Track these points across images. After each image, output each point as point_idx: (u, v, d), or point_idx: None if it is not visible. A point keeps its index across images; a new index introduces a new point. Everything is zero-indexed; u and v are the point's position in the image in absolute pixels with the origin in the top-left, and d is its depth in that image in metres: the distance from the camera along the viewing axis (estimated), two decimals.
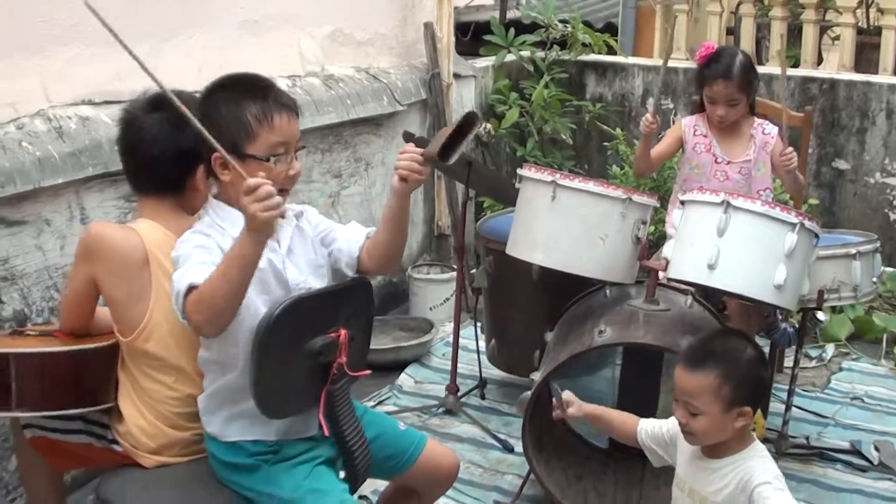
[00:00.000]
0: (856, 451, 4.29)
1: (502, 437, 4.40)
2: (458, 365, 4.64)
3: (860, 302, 3.98)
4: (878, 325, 5.48)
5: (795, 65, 7.18)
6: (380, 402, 4.70)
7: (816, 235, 3.47)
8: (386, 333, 5.41)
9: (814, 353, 5.27)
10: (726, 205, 3.37)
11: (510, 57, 6.64)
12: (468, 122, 2.75)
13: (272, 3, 4.83)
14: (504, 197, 4.96)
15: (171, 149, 2.84)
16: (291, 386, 2.68)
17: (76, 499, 3.73)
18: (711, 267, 3.37)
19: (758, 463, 2.72)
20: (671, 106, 6.67)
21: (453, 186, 6.04)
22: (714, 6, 7.70)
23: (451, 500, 3.75)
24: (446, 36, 5.96)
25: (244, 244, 2.43)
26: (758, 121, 4.50)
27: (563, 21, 6.92)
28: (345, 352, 2.71)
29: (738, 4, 7.96)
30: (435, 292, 5.68)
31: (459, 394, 4.66)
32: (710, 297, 3.96)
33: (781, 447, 4.03)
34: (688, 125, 4.50)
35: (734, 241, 3.36)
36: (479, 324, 4.87)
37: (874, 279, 3.92)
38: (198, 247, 2.58)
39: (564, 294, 4.13)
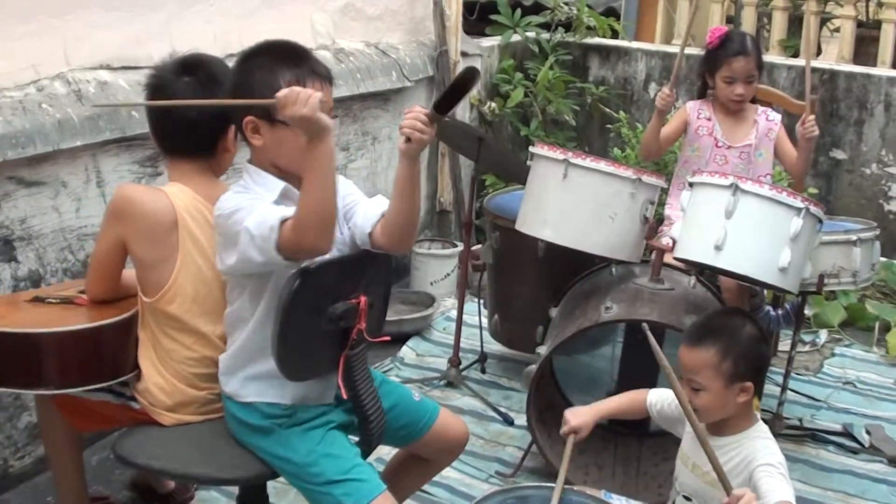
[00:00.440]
0: (848, 434, 4.39)
1: (503, 410, 4.47)
2: (460, 339, 4.71)
3: (858, 288, 4.05)
4: (870, 312, 5.58)
5: (795, 55, 7.25)
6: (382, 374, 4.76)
7: (820, 221, 3.55)
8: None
9: (807, 338, 5.36)
10: (735, 188, 3.44)
11: (516, 37, 6.70)
12: (467, 77, 2.67)
13: None
14: (511, 174, 5.03)
15: (206, 111, 2.89)
16: (312, 349, 2.73)
17: (91, 455, 3.80)
18: (718, 248, 3.44)
19: (762, 444, 2.78)
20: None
21: (457, 163, 6.10)
22: None
23: (453, 470, 3.79)
24: (455, 14, 6.02)
25: (314, 151, 2.50)
26: (761, 108, 4.58)
27: (567, 3, 6.98)
28: (364, 318, 2.76)
29: None
30: (436, 267, 5.75)
31: (461, 367, 4.73)
32: (704, 275, 4.05)
33: (776, 428, 4.11)
34: (692, 108, 4.58)
35: (741, 224, 3.43)
36: (481, 300, 4.94)
37: (872, 266, 4.00)
38: (253, 199, 2.64)
39: (569, 272, 4.20)
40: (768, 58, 6.72)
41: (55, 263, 3.84)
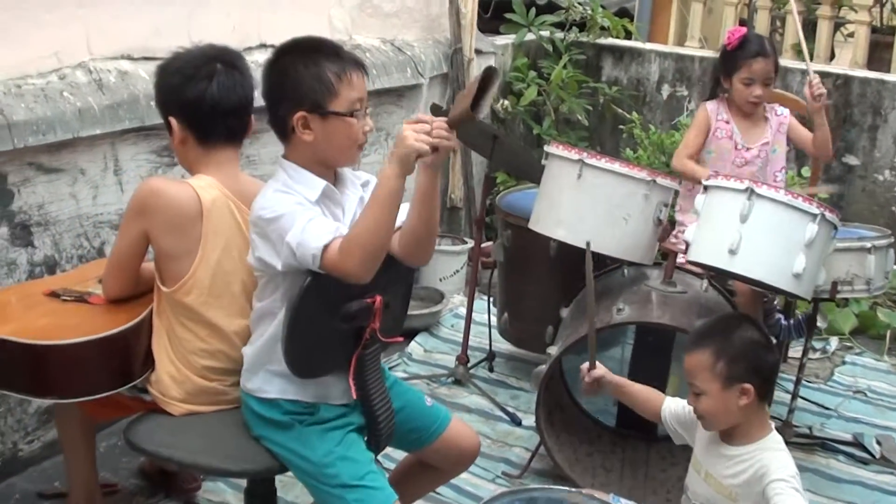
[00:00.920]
0: (858, 444, 4.36)
1: (511, 409, 4.46)
2: (469, 337, 4.71)
3: (872, 296, 4.03)
4: (882, 320, 5.55)
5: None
6: (389, 369, 4.72)
7: (835, 227, 3.53)
8: None
9: (818, 345, 5.33)
10: (750, 192, 3.42)
11: (530, 36, 6.69)
12: (488, 77, 2.66)
13: None
14: (523, 172, 5.02)
15: (244, 97, 2.95)
16: (323, 347, 2.72)
17: (99, 442, 3.78)
18: (732, 252, 3.42)
19: (776, 456, 2.77)
20: (685, 93, 6.72)
21: (469, 160, 6.10)
22: None
23: None
24: (470, 12, 6.01)
25: (385, 181, 2.51)
26: (768, 105, 4.57)
27: (581, 3, 6.97)
28: (378, 318, 2.75)
29: None
30: (446, 264, 5.74)
31: (469, 365, 4.73)
32: (717, 279, 4.03)
33: (785, 436, 4.02)
34: (712, 110, 4.52)
35: (756, 228, 3.41)
36: (490, 298, 4.93)
37: (886, 274, 3.98)
38: (298, 204, 2.63)
39: (580, 272, 4.16)
40: (781, 62, 6.70)
41: (71, 250, 3.85)
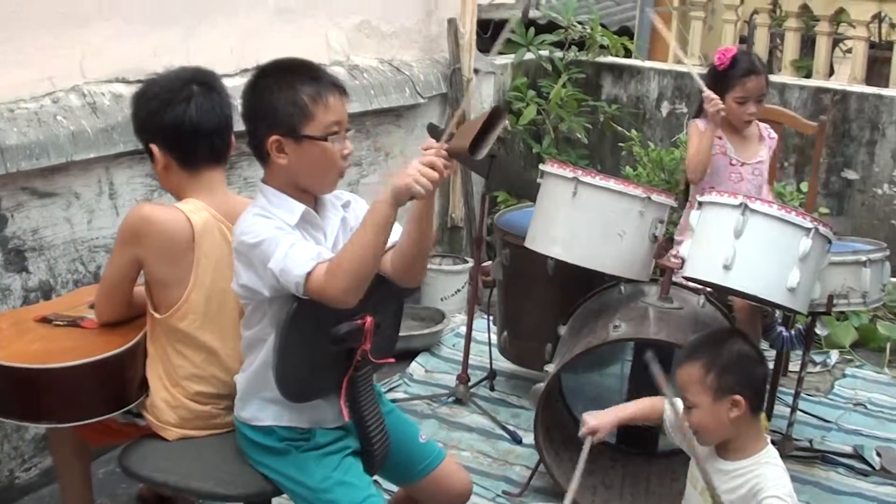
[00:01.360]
0: (858, 456, 4.36)
1: (511, 428, 4.46)
2: (469, 356, 4.71)
3: (868, 309, 4.04)
4: (882, 333, 5.56)
5: (807, 75, 7.26)
6: (390, 390, 4.76)
7: (829, 241, 3.55)
8: None
9: (818, 358, 5.34)
10: (744, 207, 3.44)
11: (529, 55, 6.72)
12: (495, 116, 2.70)
13: None
14: (522, 191, 5.03)
15: (223, 117, 2.95)
16: (314, 370, 2.71)
17: (97, 468, 3.79)
18: (727, 267, 3.44)
19: (771, 472, 2.78)
20: (685, 110, 6.73)
21: (469, 179, 6.12)
22: (729, 14, 7.78)
23: None
24: (469, 32, 6.04)
25: (378, 208, 2.51)
26: (761, 124, 4.59)
27: (581, 22, 7.00)
28: (370, 339, 2.73)
29: (753, 14, 8.03)
30: (447, 283, 5.76)
31: (469, 384, 4.73)
32: (714, 295, 4.04)
33: (785, 449, 4.09)
34: (703, 127, 4.52)
35: (750, 243, 3.43)
36: (490, 316, 4.94)
37: (882, 287, 3.99)
38: (278, 228, 2.61)
39: (578, 289, 4.20)
40: (781, 78, 6.76)
41: (66, 275, 3.86)
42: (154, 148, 2.93)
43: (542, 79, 6.78)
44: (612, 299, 4.00)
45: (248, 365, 2.80)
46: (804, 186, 6.05)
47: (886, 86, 6.68)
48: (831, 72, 7.88)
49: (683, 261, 3.65)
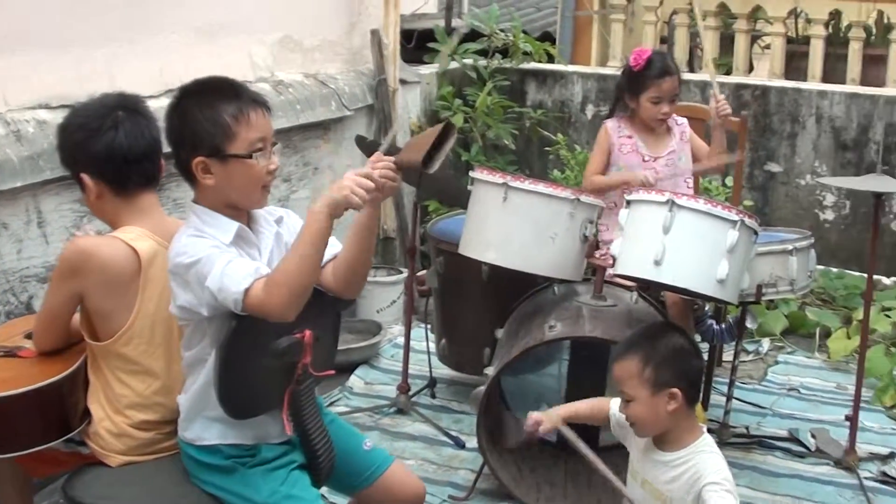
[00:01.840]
0: (794, 439, 4.48)
1: (454, 433, 4.50)
2: (409, 365, 4.74)
3: (797, 296, 4.13)
4: (811, 319, 5.70)
5: (728, 72, 7.40)
6: (331, 404, 4.76)
7: (755, 232, 3.62)
8: None
9: (750, 347, 5.46)
10: (671, 203, 3.50)
11: (454, 64, 6.77)
12: (445, 131, 2.74)
13: (226, 10, 4.92)
14: (454, 199, 5.07)
15: (152, 141, 2.92)
16: (256, 386, 2.71)
17: (40, 501, 3.74)
18: (658, 263, 3.49)
19: (708, 459, 2.83)
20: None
21: (400, 190, 6.14)
22: (649, 16, 7.90)
23: None
24: (393, 43, 6.07)
25: (314, 221, 2.51)
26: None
27: (503, 30, 7.06)
28: (309, 352, 2.73)
29: (672, 14, 8.16)
30: (382, 295, 5.77)
31: (410, 393, 4.76)
32: (648, 291, 4.11)
33: (723, 437, 4.18)
34: (612, 128, 4.63)
35: (679, 238, 3.48)
36: (428, 325, 4.97)
37: (809, 274, 4.09)
38: (214, 247, 2.60)
39: (513, 293, 4.25)
40: (702, 76, 6.88)
41: None
42: (86, 178, 2.88)
43: (468, 87, 6.83)
44: (547, 300, 4.05)
45: (189, 385, 2.79)
46: (729, 181, 6.16)
47: (805, 79, 6.83)
48: (751, 68, 8.03)
49: (615, 259, 3.71)
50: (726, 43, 7.70)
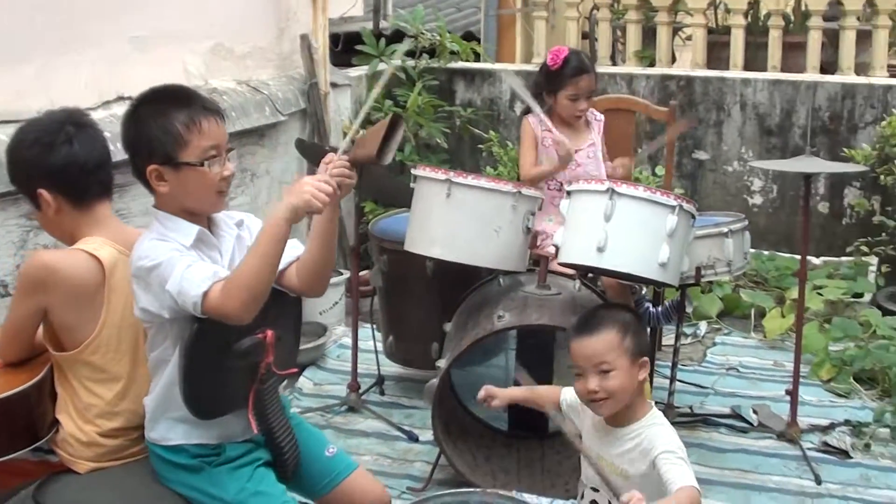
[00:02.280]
0: (736, 415, 4.62)
1: (406, 428, 4.57)
2: (357, 364, 4.80)
3: (734, 276, 4.26)
4: (745, 301, 5.86)
5: (651, 64, 7.53)
6: None
7: (693, 216, 3.73)
8: None
9: (688, 330, 5.60)
10: (611, 192, 3.59)
11: (382, 66, 6.83)
12: (394, 123, 2.84)
13: (158, 20, 4.93)
14: (393, 198, 5.13)
15: (104, 153, 2.95)
16: (220, 386, 2.76)
17: None
18: (601, 249, 3.58)
19: (660, 431, 2.91)
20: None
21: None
22: (571, 12, 8.01)
23: None
24: (322, 47, 6.14)
25: (273, 225, 2.56)
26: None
27: (429, 30, 7.14)
28: (272, 352, 2.79)
29: (593, 9, 8.29)
30: (324, 297, 5.75)
31: (360, 391, 4.82)
32: (588, 278, 4.22)
33: (669, 417, 4.18)
34: (534, 123, 4.71)
35: (620, 225, 3.57)
36: (374, 325, 5.03)
37: (745, 255, 4.22)
38: (174, 250, 2.65)
39: (458, 287, 4.33)
40: (626, 69, 7.03)
41: None
42: (44, 193, 2.88)
43: (397, 88, 6.89)
44: (493, 292, 4.13)
45: (153, 386, 2.83)
46: (659, 170, 6.31)
47: (727, 69, 6.99)
48: (673, 59, 8.18)
49: (558, 248, 3.80)
50: (648, 36, 7.83)
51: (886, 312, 5.66)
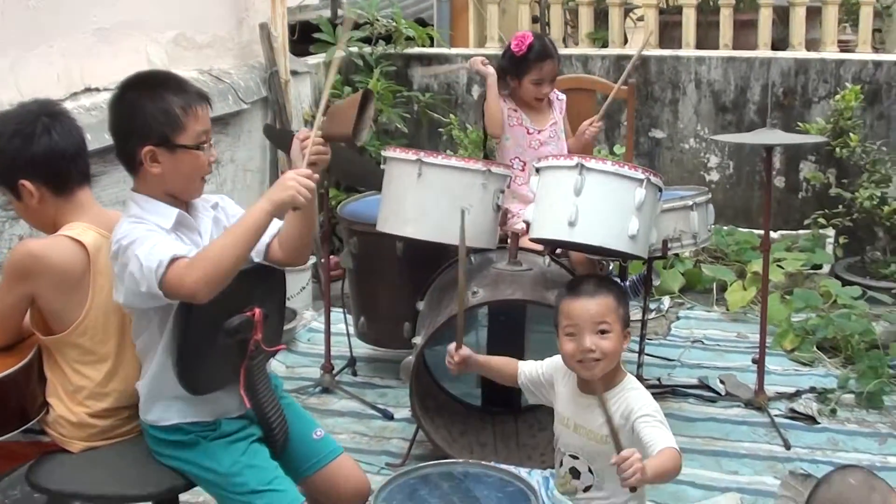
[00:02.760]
0: (704, 386, 4.74)
1: (381, 406, 4.63)
2: (330, 345, 4.87)
3: (699, 248, 4.34)
4: (706, 275, 5.99)
5: (604, 46, 7.62)
6: None
7: (660, 189, 3.81)
8: None
9: (652, 305, 5.67)
10: (580, 167, 3.66)
11: (339, 53, 6.87)
12: (365, 99, 2.88)
13: (121, 11, 4.95)
14: (361, 180, 5.17)
15: (82, 139, 2.99)
16: (212, 363, 2.81)
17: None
18: (572, 224, 3.65)
19: (637, 395, 2.99)
20: None
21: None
22: None
23: None
24: (281, 35, 6.17)
25: (256, 215, 2.62)
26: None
27: (384, 17, 7.19)
28: (260, 329, 2.85)
29: None
30: (291, 282, 5.78)
31: (334, 372, 4.88)
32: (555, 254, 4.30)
33: None
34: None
35: (590, 199, 3.64)
36: (345, 309, 5.08)
37: (709, 227, 4.31)
38: (150, 230, 2.69)
39: (428, 266, 4.39)
40: (581, 50, 7.11)
41: None
42: (26, 184, 2.90)
43: (355, 74, 6.94)
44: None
45: (145, 370, 2.87)
46: (617, 149, 6.40)
47: (679, 48, 7.08)
48: (625, 40, 8.27)
49: (528, 224, 3.87)
50: (600, 17, 7.92)
51: (846, 283, 5.81)
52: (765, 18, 6.99)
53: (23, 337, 3.03)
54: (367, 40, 7.05)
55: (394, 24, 7.13)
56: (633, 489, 2.67)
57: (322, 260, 5.33)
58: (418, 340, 4.01)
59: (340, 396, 4.78)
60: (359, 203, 4.99)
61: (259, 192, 5.69)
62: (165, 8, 5.37)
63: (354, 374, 5.04)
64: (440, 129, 6.97)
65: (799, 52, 6.77)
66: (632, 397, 2.99)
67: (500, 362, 3.35)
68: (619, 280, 4.61)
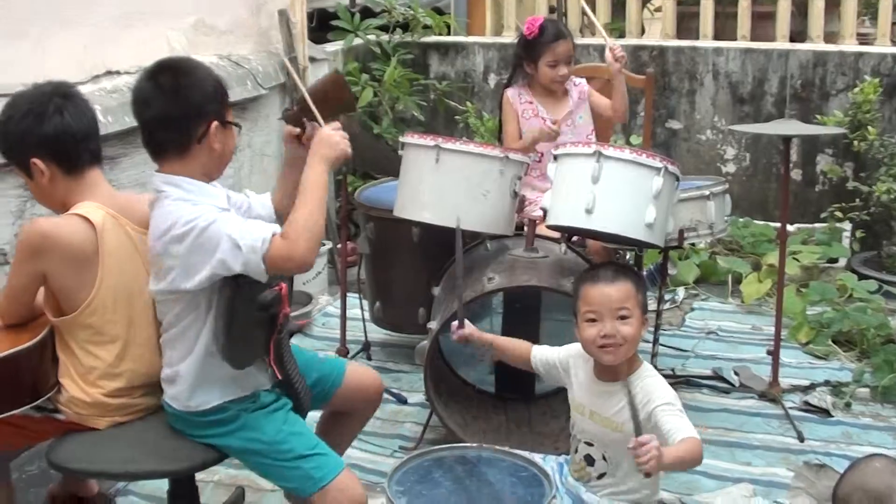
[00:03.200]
0: (718, 377, 4.74)
1: (395, 391, 4.64)
2: (346, 329, 4.92)
3: (715, 238, 4.33)
4: (722, 267, 5.98)
5: (621, 36, 7.61)
6: None
7: (678, 178, 3.82)
8: None
9: (667, 296, 5.68)
10: (598, 154, 3.66)
11: (357, 41, 6.90)
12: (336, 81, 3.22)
13: None
14: (379, 166, 5.20)
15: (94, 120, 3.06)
16: (250, 338, 2.91)
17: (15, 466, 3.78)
18: (589, 211, 3.65)
19: (654, 383, 3.02)
20: None
21: None
22: None
23: (358, 450, 3.98)
24: (300, 22, 6.18)
25: (316, 176, 2.83)
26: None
27: (401, 5, 7.22)
28: (287, 303, 2.93)
29: None
30: None
31: (349, 356, 4.90)
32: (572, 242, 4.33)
33: None
34: (513, 95, 4.84)
35: (608, 187, 3.64)
36: (360, 294, 5.10)
37: (725, 218, 4.31)
38: (222, 210, 2.79)
39: (444, 252, 4.35)
40: (599, 40, 7.07)
41: None
42: (38, 162, 2.95)
43: (373, 62, 6.97)
44: (481, 256, 4.20)
45: (182, 356, 2.92)
46: (634, 140, 6.40)
47: (697, 38, 7.08)
48: (642, 31, 8.26)
49: (545, 211, 3.87)
50: (617, 8, 7.91)
51: (862, 277, 5.80)
52: (783, 10, 6.98)
53: (35, 316, 3.07)
54: (384, 28, 7.08)
55: (411, 12, 7.16)
56: (647, 475, 2.68)
57: (338, 245, 5.37)
58: (433, 325, 4.02)
59: None
60: (376, 189, 5.01)
61: (275, 177, 5.72)
62: None
63: (369, 358, 5.06)
64: (457, 117, 6.98)
65: (817, 45, 6.76)
66: (648, 385, 3.01)
67: (511, 342, 3.40)
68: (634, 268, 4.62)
